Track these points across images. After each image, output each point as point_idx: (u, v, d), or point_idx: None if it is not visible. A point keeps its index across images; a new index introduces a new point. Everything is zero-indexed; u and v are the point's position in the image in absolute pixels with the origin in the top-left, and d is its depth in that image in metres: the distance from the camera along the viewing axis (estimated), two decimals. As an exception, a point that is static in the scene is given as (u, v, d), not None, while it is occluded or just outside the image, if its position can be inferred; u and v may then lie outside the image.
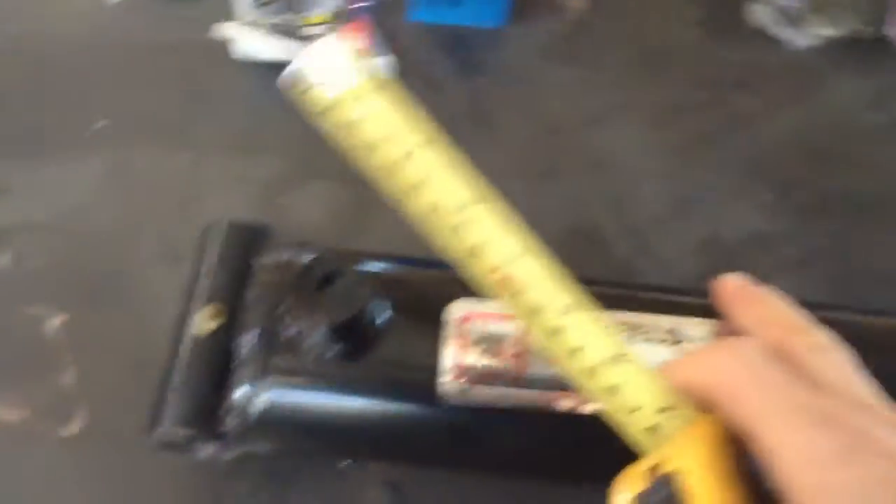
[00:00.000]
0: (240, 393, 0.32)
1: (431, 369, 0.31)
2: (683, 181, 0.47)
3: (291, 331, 0.32)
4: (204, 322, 0.33)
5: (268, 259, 0.35)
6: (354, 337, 0.31)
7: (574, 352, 0.26)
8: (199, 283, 0.35)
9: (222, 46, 0.51)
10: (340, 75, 0.26)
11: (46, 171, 0.46)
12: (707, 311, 0.30)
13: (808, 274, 0.43)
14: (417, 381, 0.31)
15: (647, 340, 0.31)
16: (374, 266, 0.35)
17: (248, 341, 0.33)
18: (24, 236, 0.43)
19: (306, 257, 0.34)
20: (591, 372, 0.26)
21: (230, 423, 0.33)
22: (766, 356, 0.24)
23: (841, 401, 0.23)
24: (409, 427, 0.33)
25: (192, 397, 0.33)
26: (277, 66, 0.47)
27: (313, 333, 0.32)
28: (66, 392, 0.39)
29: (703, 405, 0.24)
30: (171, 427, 0.33)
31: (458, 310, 0.31)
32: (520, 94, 0.50)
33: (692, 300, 0.32)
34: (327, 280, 0.31)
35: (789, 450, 0.22)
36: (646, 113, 0.50)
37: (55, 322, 0.41)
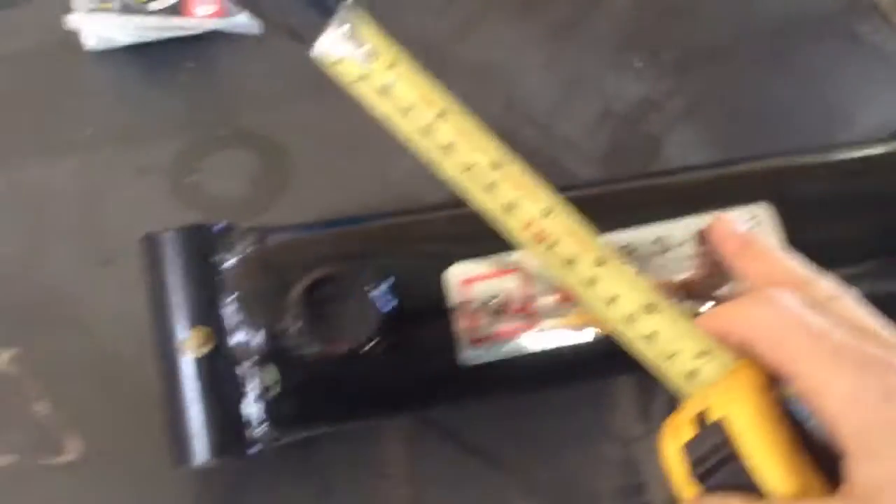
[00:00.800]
0: (260, 402, 0.32)
1: (446, 341, 0.32)
2: (562, 67, 0.50)
3: (298, 331, 0.31)
4: (196, 348, 0.32)
5: (231, 259, 0.34)
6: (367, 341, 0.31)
7: (610, 301, 0.28)
8: (165, 300, 0.33)
9: (72, 41, 0.48)
10: (365, 46, 0.27)
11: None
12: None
13: (698, 124, 0.48)
14: (435, 357, 0.32)
15: (639, 258, 0.32)
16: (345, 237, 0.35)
17: (253, 350, 0.32)
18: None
19: (269, 245, 0.34)
20: (629, 320, 0.28)
21: (256, 432, 0.33)
22: (803, 303, 0.25)
23: (877, 342, 0.24)
24: (433, 397, 0.34)
25: (216, 425, 0.32)
26: (136, 48, 0.46)
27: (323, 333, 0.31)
28: (47, 423, 0.37)
29: (741, 352, 0.26)
30: (203, 460, 0.32)
31: (456, 276, 0.32)
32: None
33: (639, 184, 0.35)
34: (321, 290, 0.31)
35: (836, 392, 0.23)
36: (510, 12, 0.52)
37: (4, 358, 0.38)
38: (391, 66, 0.28)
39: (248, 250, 0.33)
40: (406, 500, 0.36)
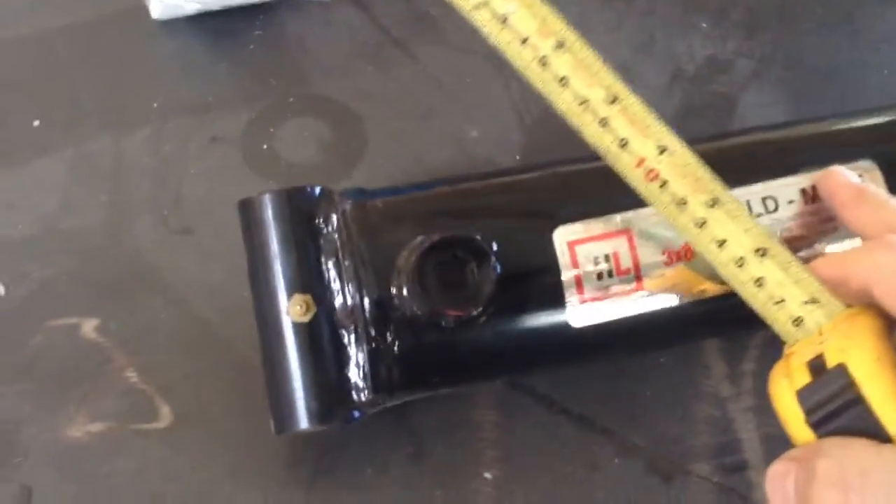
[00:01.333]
0: (364, 369, 0.32)
1: (555, 304, 0.32)
2: (629, 30, 0.49)
3: (410, 295, 0.31)
4: (298, 313, 0.32)
5: (332, 222, 0.33)
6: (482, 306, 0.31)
7: (721, 244, 0.27)
8: (266, 264, 0.33)
9: (139, 11, 0.47)
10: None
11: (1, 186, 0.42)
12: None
13: (768, 83, 0.47)
14: (544, 320, 0.32)
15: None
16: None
17: (358, 315, 0.32)
18: (13, 255, 0.40)
19: (372, 207, 0.33)
20: (739, 263, 0.27)
21: (359, 398, 0.32)
22: None
23: None
24: (540, 361, 0.34)
25: (319, 391, 0.32)
26: (202, 17, 0.46)
27: (427, 303, 0.31)
28: (138, 390, 0.37)
29: (854, 299, 0.26)
30: (306, 426, 0.32)
31: (563, 237, 0.32)
32: None
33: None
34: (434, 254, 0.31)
35: None
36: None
37: (89, 328, 0.38)
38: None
39: (351, 213, 0.33)
40: (498, 463, 0.36)
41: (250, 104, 0.45)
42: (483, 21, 0.28)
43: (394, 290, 0.31)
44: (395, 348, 0.31)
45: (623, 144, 0.28)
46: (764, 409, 0.37)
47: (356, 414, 0.33)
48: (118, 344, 0.38)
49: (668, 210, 0.28)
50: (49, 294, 0.39)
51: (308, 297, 0.32)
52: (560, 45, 0.28)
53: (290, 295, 0.32)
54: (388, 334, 0.31)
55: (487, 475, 0.36)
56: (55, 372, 0.37)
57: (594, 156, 0.30)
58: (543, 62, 0.28)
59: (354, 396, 0.32)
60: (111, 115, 0.44)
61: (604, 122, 0.28)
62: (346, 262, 0.32)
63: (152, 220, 0.41)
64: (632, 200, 0.31)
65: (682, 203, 0.28)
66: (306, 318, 0.32)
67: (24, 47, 0.45)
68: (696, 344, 0.38)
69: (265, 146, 0.44)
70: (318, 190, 0.34)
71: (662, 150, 0.28)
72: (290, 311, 0.32)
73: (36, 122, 0.43)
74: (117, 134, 0.44)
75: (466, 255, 0.30)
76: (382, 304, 0.31)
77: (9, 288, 0.39)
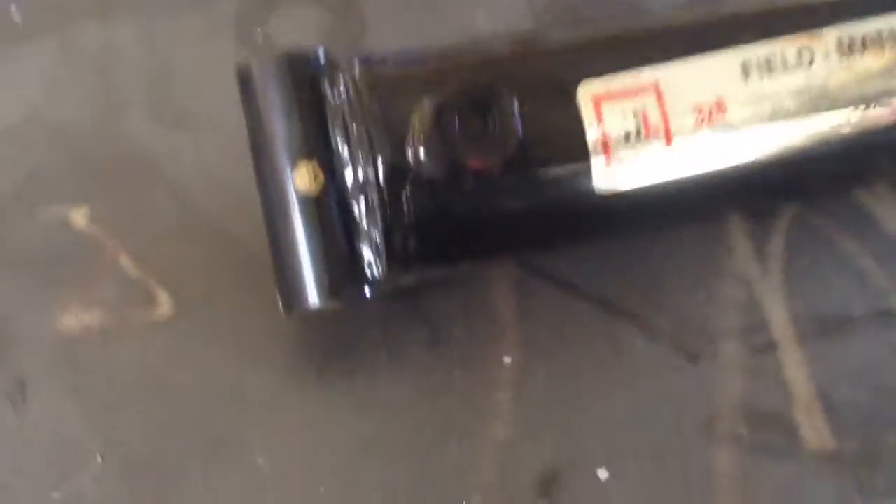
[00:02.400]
0: (378, 241, 0.30)
1: (579, 166, 0.29)
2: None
3: (422, 160, 0.29)
4: (305, 183, 0.30)
5: (336, 85, 0.31)
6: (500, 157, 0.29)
7: None
8: (268, 134, 0.31)
9: None
10: None
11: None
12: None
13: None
14: (569, 184, 0.30)
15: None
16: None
17: (369, 184, 0.30)
18: (-3, 144, 0.38)
19: (380, 70, 0.31)
20: None
21: (372, 273, 0.30)
22: None
23: None
24: (564, 230, 0.32)
25: (329, 265, 0.30)
26: None
27: (447, 160, 0.29)
28: (134, 278, 0.35)
29: None
30: (316, 302, 0.30)
31: (588, 94, 0.29)
32: None
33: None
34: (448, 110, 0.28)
35: None
36: None
37: (79, 216, 0.36)
38: None
39: (360, 76, 0.30)
40: (518, 347, 0.35)
41: (243, -11, 0.42)
42: None
43: (409, 153, 0.29)
44: (411, 216, 0.29)
45: None
46: (792, 289, 0.36)
47: (369, 291, 0.31)
48: (111, 233, 0.36)
49: None
50: (36, 184, 0.37)
51: (315, 166, 0.30)
52: None
53: (295, 164, 0.30)
54: (403, 202, 0.29)
55: (507, 359, 0.34)
56: (46, 262, 0.35)
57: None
58: None
59: (367, 272, 0.30)
60: (98, 4, 0.42)
61: None
62: (356, 129, 0.30)
63: (145, 110, 0.39)
64: (661, 53, 0.30)
65: None
66: (314, 189, 0.30)
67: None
68: (720, 223, 0.36)
69: (260, 32, 0.42)
70: (322, 54, 0.31)
71: None
72: (297, 181, 0.30)
73: (14, 8, 0.41)
74: (105, 23, 0.41)
75: (486, 104, 0.28)
76: (397, 170, 0.29)
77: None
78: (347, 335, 0.34)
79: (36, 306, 0.35)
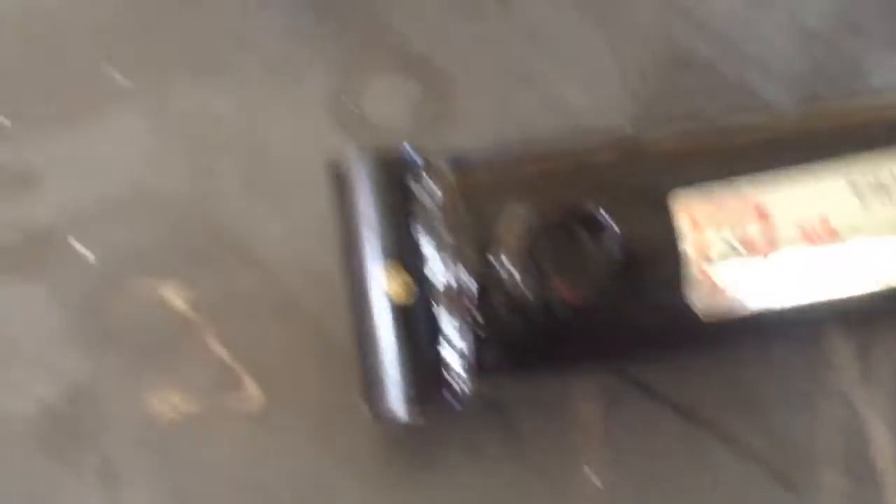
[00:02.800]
0: (465, 354, 0.30)
1: (676, 288, 0.28)
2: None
3: (512, 276, 0.28)
4: (395, 290, 0.30)
5: (427, 188, 0.31)
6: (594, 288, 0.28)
7: None
8: (358, 237, 0.31)
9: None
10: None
11: (79, 144, 0.40)
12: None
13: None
14: (665, 306, 0.29)
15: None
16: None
17: (459, 293, 0.29)
18: (94, 217, 0.38)
19: (474, 174, 0.30)
20: None
21: (459, 386, 0.30)
22: None
23: None
24: (657, 351, 0.31)
25: (417, 378, 0.30)
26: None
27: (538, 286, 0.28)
28: (225, 365, 0.35)
29: None
30: (401, 415, 0.30)
31: (687, 208, 0.29)
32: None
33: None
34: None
35: None
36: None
37: (177, 298, 0.37)
38: None
39: (451, 180, 0.30)
40: (603, 460, 0.34)
41: (338, 62, 0.42)
42: None
43: (499, 265, 0.28)
44: (500, 332, 0.29)
45: None
46: (899, 413, 0.34)
47: (456, 403, 0.30)
48: (208, 317, 0.36)
49: None
50: (134, 260, 0.37)
51: (405, 273, 0.30)
52: None
53: (386, 270, 0.30)
54: (492, 317, 0.29)
55: (591, 474, 0.34)
56: (142, 342, 0.36)
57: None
58: None
59: (454, 384, 0.30)
60: (197, 73, 0.42)
61: None
62: (445, 237, 0.29)
63: (238, 183, 0.39)
64: (766, 165, 0.28)
65: None
66: (403, 296, 0.30)
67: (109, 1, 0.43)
68: (822, 340, 0.35)
69: (352, 106, 0.41)
70: (413, 153, 0.31)
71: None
72: (387, 287, 0.30)
73: (121, 78, 0.41)
74: (203, 92, 0.41)
75: (581, 230, 0.27)
76: (487, 283, 0.29)
77: (90, 253, 0.38)
78: (433, 440, 0.34)
79: (128, 387, 0.35)
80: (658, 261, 0.29)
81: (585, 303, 0.27)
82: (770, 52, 0.42)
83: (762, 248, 0.29)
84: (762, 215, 0.29)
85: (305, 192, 0.38)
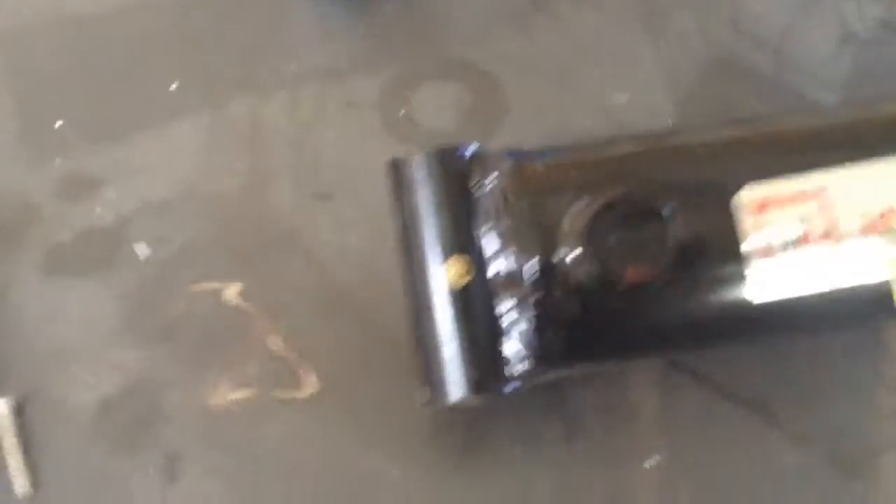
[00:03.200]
0: (524, 338, 0.30)
1: (736, 273, 0.29)
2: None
3: (573, 264, 0.28)
4: (455, 278, 0.30)
5: (484, 182, 0.31)
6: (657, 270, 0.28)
7: None
8: (418, 228, 0.31)
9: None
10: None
11: (137, 150, 0.41)
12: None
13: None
14: (724, 291, 0.29)
15: None
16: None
17: (518, 281, 0.29)
18: (152, 219, 0.39)
19: (531, 167, 0.31)
20: None
21: (516, 370, 0.30)
22: None
23: None
24: (716, 336, 0.31)
25: (473, 361, 0.30)
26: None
27: (600, 270, 0.28)
28: (280, 357, 0.36)
29: None
30: (459, 398, 0.30)
31: (749, 200, 0.29)
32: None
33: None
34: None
35: None
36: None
37: (231, 293, 0.37)
38: None
39: (509, 173, 0.30)
40: (660, 451, 0.34)
41: (387, 68, 0.43)
42: None
43: (560, 255, 0.28)
44: (559, 316, 0.29)
45: None
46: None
47: (513, 386, 0.31)
48: (261, 310, 0.37)
49: None
50: (190, 258, 0.38)
51: (466, 261, 0.30)
52: None
53: (445, 259, 0.30)
54: (551, 301, 0.29)
55: (649, 462, 0.33)
56: (199, 336, 0.37)
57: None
58: None
59: (512, 367, 0.30)
60: (248, 79, 0.43)
61: None
62: (504, 226, 0.30)
63: (290, 185, 0.40)
64: (827, 157, 0.28)
65: None
66: (464, 283, 0.30)
67: (162, 12, 0.44)
68: (882, 328, 0.34)
69: (402, 111, 0.42)
70: (471, 150, 0.32)
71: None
72: (448, 275, 0.30)
73: (174, 86, 0.43)
74: (254, 98, 0.42)
75: (644, 215, 0.27)
76: (546, 270, 0.29)
77: (149, 252, 0.38)
78: (483, 428, 0.34)
79: (187, 381, 0.36)
80: (718, 251, 0.29)
81: (650, 282, 0.27)
82: (813, 54, 0.42)
83: (824, 236, 0.29)
84: (825, 204, 0.29)
85: (355, 192, 0.39)
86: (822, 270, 0.29)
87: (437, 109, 0.42)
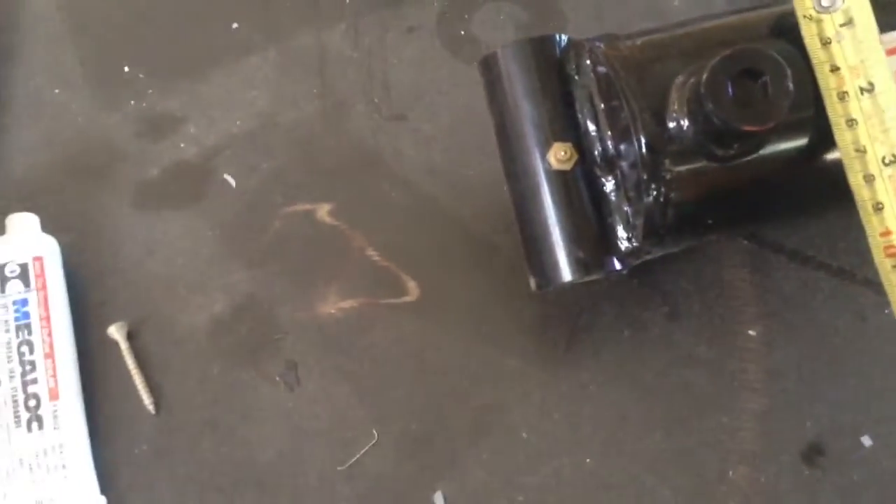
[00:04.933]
0: (630, 215, 0.31)
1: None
2: None
3: (687, 129, 0.29)
4: (560, 162, 0.31)
5: (581, 67, 0.32)
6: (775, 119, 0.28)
7: None
8: (518, 117, 0.32)
9: None
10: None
11: (210, 87, 0.42)
12: None
13: None
14: (825, 153, 0.30)
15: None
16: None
17: (625, 159, 0.30)
18: (238, 149, 0.40)
19: (628, 49, 0.31)
20: None
21: (625, 247, 0.31)
22: None
23: None
24: (821, 198, 0.32)
25: (585, 241, 0.31)
26: None
27: (719, 127, 0.28)
28: (381, 267, 0.37)
29: None
30: (571, 277, 0.31)
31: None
32: None
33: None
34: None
35: None
36: None
37: (323, 212, 0.38)
38: (844, 24, 0.29)
39: (607, 54, 0.31)
40: (762, 319, 0.35)
41: (443, -10, 0.44)
42: (807, 33, 0.29)
43: (671, 125, 0.29)
44: (670, 189, 0.30)
45: (878, 207, 0.28)
46: None
47: (621, 265, 0.32)
48: (354, 226, 0.38)
49: (894, 293, 0.28)
50: (279, 183, 0.39)
51: (569, 145, 0.31)
52: (866, 90, 0.28)
53: (548, 144, 0.31)
54: (660, 176, 0.30)
55: (751, 332, 0.35)
56: (299, 254, 0.37)
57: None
58: (842, 97, 0.29)
59: (620, 245, 0.31)
60: (307, 12, 0.44)
61: (869, 179, 0.28)
62: (608, 105, 0.31)
63: (365, 109, 0.41)
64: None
65: None
66: (568, 166, 0.31)
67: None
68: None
69: (462, 32, 0.43)
70: (563, 37, 0.33)
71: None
72: (552, 159, 0.31)
73: (235, 25, 0.43)
74: (316, 30, 0.43)
75: (758, 69, 0.28)
76: (657, 143, 0.30)
77: (238, 181, 0.39)
78: (585, 315, 0.35)
79: (297, 295, 0.37)
80: (818, 109, 0.30)
81: (768, 130, 0.28)
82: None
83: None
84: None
85: (428, 110, 0.40)
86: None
87: (495, 28, 0.43)
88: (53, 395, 0.33)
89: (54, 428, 0.32)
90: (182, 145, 0.40)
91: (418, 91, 0.41)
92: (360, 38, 0.43)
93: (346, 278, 0.37)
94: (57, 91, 0.41)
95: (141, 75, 0.42)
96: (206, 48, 0.43)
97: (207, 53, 0.42)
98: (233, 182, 0.39)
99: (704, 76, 0.28)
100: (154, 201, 0.39)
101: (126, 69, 0.42)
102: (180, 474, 0.34)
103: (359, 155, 0.40)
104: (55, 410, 0.32)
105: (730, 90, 0.28)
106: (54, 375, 0.33)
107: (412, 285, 0.37)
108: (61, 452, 0.32)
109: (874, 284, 0.35)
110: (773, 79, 0.28)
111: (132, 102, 0.41)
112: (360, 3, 0.44)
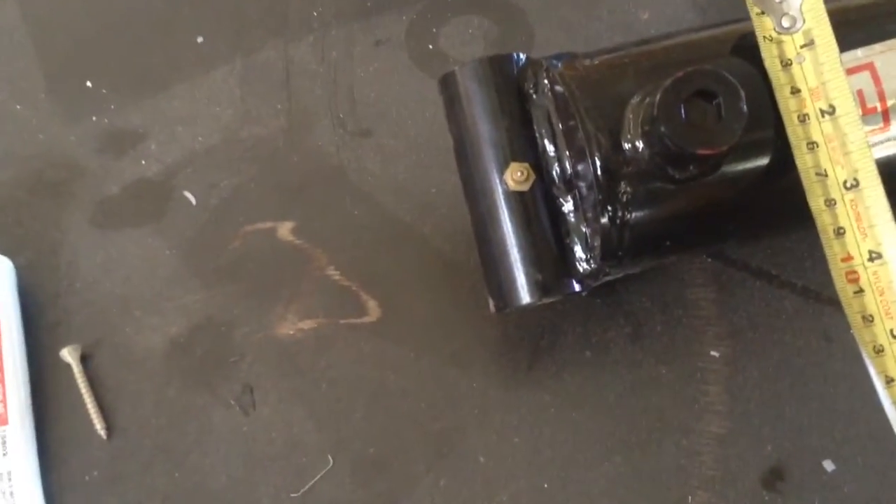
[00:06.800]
0: (588, 237, 0.30)
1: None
2: None
3: (642, 152, 0.29)
4: (517, 183, 0.31)
5: (538, 86, 0.31)
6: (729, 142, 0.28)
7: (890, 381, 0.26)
8: (476, 136, 0.32)
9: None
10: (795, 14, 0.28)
11: (173, 102, 0.41)
12: None
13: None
14: (784, 169, 0.29)
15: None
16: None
17: (582, 179, 0.30)
18: (199, 166, 0.39)
19: (585, 68, 0.31)
20: None
21: (584, 268, 0.31)
22: None
23: None
24: (780, 217, 0.32)
25: (542, 263, 0.31)
26: None
27: (672, 150, 0.28)
28: (342, 286, 0.36)
29: None
30: (528, 300, 0.31)
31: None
32: None
33: None
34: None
35: None
36: None
37: (285, 231, 0.38)
38: (805, 45, 0.29)
39: (564, 74, 0.31)
40: (724, 340, 0.35)
41: (410, 5, 0.43)
42: (767, 55, 0.29)
43: (625, 145, 0.29)
44: (627, 210, 0.30)
45: (839, 232, 0.27)
46: None
47: (580, 286, 0.31)
48: (316, 244, 0.37)
49: (854, 319, 0.27)
50: (240, 201, 0.39)
51: (526, 165, 0.31)
52: (827, 112, 0.28)
53: (506, 164, 0.31)
54: (617, 196, 0.29)
55: (714, 353, 0.34)
56: (259, 274, 0.37)
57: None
58: (803, 119, 0.28)
59: (579, 267, 0.31)
60: (275, 25, 0.43)
61: (830, 203, 0.28)
62: (565, 126, 0.30)
63: (330, 124, 0.40)
64: (874, 32, 0.29)
65: (868, 320, 0.27)
66: (526, 187, 0.31)
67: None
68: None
69: (430, 46, 0.43)
70: (522, 56, 0.32)
71: (873, 258, 0.26)
72: (509, 179, 0.31)
73: (200, 39, 0.43)
74: (283, 42, 0.43)
75: (712, 91, 0.28)
76: (612, 164, 0.29)
77: (199, 198, 0.39)
78: (549, 335, 0.35)
79: (254, 316, 0.36)
80: (775, 126, 0.29)
81: (722, 153, 0.27)
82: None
83: (877, 108, 0.30)
84: (874, 76, 0.30)
85: (393, 126, 0.40)
86: (876, 141, 0.30)
87: (463, 43, 0.43)
88: (2, 421, 0.32)
89: (3, 455, 0.32)
90: (143, 162, 0.39)
91: (384, 106, 0.41)
92: (326, 51, 0.43)
93: (306, 298, 0.36)
94: (19, 107, 0.41)
95: (104, 90, 0.41)
96: (170, 62, 0.42)
97: (172, 67, 0.42)
98: (193, 200, 0.39)
99: (657, 97, 0.27)
100: (113, 220, 0.38)
101: (88, 84, 0.41)
102: (131, 502, 0.34)
103: (322, 171, 0.39)
104: (3, 436, 0.32)
105: (682, 112, 0.27)
106: (3, 400, 0.32)
107: (373, 305, 0.36)
108: (10, 480, 0.32)
109: (839, 304, 0.34)
110: (726, 101, 0.27)
111: (94, 118, 0.41)
112: (329, 14, 0.43)
